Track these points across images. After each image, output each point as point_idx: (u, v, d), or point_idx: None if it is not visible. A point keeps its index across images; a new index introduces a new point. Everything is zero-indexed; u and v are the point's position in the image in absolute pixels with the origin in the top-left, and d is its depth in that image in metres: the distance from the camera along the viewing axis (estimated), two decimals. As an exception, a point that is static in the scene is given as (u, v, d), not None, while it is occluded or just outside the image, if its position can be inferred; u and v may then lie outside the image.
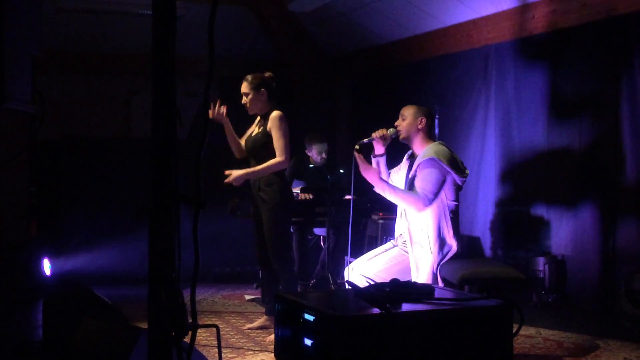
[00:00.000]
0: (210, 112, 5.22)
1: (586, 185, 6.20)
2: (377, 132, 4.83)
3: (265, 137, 5.27)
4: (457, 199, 4.68)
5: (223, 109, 5.26)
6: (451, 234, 4.64)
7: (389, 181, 4.92)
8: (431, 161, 4.55)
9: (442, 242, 4.60)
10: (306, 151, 7.27)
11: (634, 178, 5.78)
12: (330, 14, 8.45)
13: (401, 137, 4.81)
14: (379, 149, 4.88)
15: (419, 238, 4.61)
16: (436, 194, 4.54)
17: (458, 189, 4.68)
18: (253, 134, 5.40)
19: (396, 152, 5.12)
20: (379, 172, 4.81)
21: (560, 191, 6.45)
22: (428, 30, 7.71)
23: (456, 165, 4.62)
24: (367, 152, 4.93)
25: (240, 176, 5.25)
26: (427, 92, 7.83)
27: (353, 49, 9.11)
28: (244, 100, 5.35)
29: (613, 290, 5.84)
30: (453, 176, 4.59)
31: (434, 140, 4.84)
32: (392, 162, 5.06)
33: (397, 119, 4.89)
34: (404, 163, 4.95)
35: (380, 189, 4.65)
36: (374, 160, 4.93)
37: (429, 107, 4.95)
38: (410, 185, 4.67)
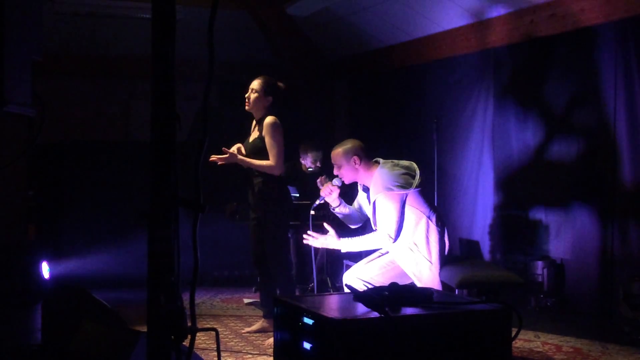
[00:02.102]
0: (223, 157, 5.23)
1: (584, 189, 6.20)
2: (322, 189, 4.85)
3: (262, 142, 5.28)
4: (427, 201, 4.63)
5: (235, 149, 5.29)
6: (440, 237, 4.61)
7: (357, 210, 4.91)
8: (382, 198, 4.52)
9: (435, 249, 4.58)
10: (300, 159, 7.24)
11: (631, 182, 5.79)
12: (328, 17, 8.46)
13: (347, 182, 4.80)
14: (333, 201, 4.86)
15: (411, 258, 4.57)
16: (400, 223, 4.52)
17: (421, 192, 4.61)
18: (250, 140, 5.41)
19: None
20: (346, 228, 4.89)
21: (559, 195, 6.45)
22: (426, 34, 7.72)
23: (405, 180, 4.55)
24: (324, 209, 4.96)
25: (235, 157, 5.21)
26: (425, 97, 7.84)
27: (351, 53, 9.12)
28: (248, 94, 5.34)
29: (611, 294, 5.84)
30: (410, 192, 4.55)
31: (375, 163, 4.71)
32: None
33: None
34: (361, 193, 4.91)
35: (346, 249, 4.71)
36: (336, 212, 4.93)
37: (353, 139, 4.81)
38: (374, 220, 4.67)
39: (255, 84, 5.33)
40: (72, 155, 8.02)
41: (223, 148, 5.23)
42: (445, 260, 4.64)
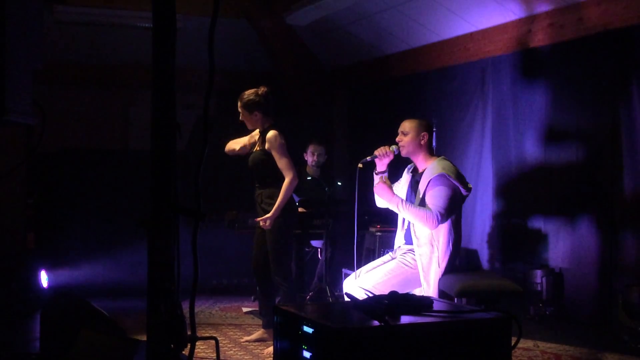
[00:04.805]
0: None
1: (583, 198, 6.21)
2: (379, 149, 4.82)
3: (264, 155, 5.31)
4: (460, 213, 4.71)
5: None
6: (457, 246, 4.66)
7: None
8: (441, 178, 4.55)
9: (449, 255, 4.61)
10: (304, 154, 7.28)
11: (631, 191, 5.79)
12: (328, 26, 8.48)
13: (403, 153, 4.81)
14: (380, 166, 4.87)
15: (428, 251, 4.61)
16: (448, 211, 4.54)
17: (462, 202, 4.70)
18: (254, 151, 5.43)
19: (396, 166, 5.10)
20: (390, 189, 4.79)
21: (558, 204, 6.45)
22: (425, 43, 7.74)
23: (462, 180, 4.64)
24: (369, 169, 4.94)
25: (272, 217, 5.28)
26: (424, 105, 7.85)
27: (350, 62, 9.14)
28: (241, 117, 5.41)
29: (610, 303, 5.84)
30: (460, 191, 4.61)
31: (437, 154, 4.83)
32: (392, 176, 5.05)
33: (394, 132, 4.88)
34: (405, 176, 4.95)
35: (393, 205, 4.66)
36: (376, 177, 4.93)
37: (428, 120, 4.93)
38: (420, 203, 4.66)
39: (239, 106, 5.39)
40: (72, 164, 8.02)
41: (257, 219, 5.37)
42: (449, 271, 4.66)
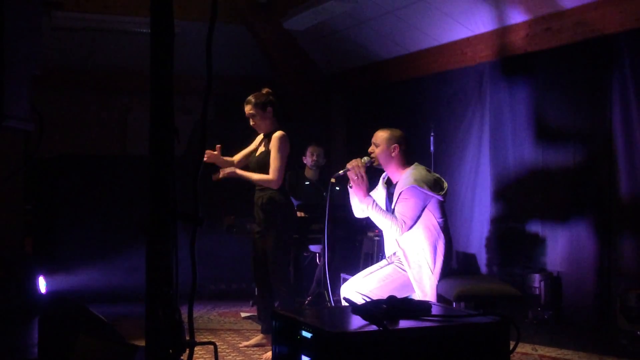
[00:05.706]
0: (207, 157, 5.23)
1: (581, 201, 6.22)
2: (351, 162, 4.78)
3: (268, 157, 5.28)
4: (443, 215, 4.67)
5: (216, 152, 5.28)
6: (448, 250, 4.65)
7: None
8: (412, 189, 4.53)
9: (439, 260, 4.61)
10: (303, 159, 7.30)
11: (628, 194, 5.80)
12: (325, 31, 8.49)
13: (375, 164, 4.79)
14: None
15: (417, 260, 4.61)
16: (415, 220, 4.54)
17: (442, 204, 4.67)
18: (257, 154, 5.42)
19: (372, 174, 5.05)
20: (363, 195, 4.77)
21: (555, 208, 6.46)
22: (423, 48, 7.75)
23: (435, 185, 4.61)
24: (343, 183, 4.93)
25: (233, 172, 5.24)
26: (422, 110, 7.86)
27: (348, 67, 9.15)
28: (252, 122, 5.36)
29: (609, 306, 5.84)
30: (435, 197, 4.59)
31: (410, 164, 4.76)
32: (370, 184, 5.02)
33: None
34: (380, 185, 4.92)
35: (364, 204, 4.65)
36: (351, 191, 4.91)
37: (402, 131, 4.83)
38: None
39: (249, 108, 5.33)
40: (70, 169, 8.02)
41: (209, 152, 5.20)
42: (445, 275, 4.65)
